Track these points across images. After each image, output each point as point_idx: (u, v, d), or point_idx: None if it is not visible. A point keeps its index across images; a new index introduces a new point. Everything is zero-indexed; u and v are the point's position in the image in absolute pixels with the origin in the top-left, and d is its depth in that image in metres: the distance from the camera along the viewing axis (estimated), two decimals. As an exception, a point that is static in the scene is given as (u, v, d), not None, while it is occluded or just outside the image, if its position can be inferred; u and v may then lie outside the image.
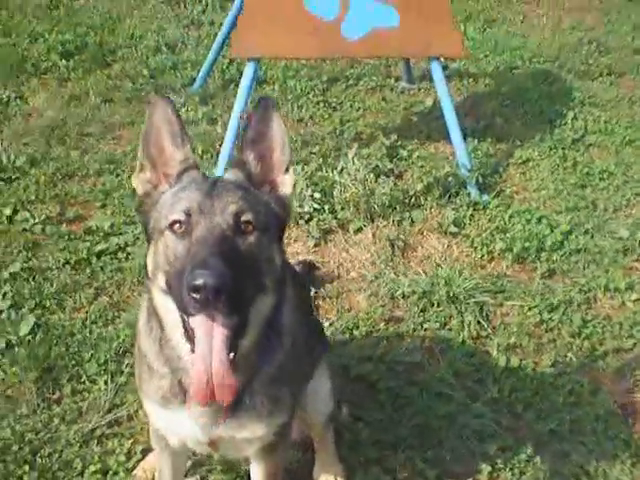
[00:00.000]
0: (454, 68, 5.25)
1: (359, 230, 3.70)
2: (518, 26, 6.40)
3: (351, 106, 4.79)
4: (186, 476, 2.37)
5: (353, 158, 4.01)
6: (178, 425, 1.88)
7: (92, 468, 2.45)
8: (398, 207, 3.82)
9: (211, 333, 1.60)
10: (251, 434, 1.90)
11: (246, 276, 1.61)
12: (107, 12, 5.74)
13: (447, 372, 2.90)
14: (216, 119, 4.46)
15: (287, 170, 1.83)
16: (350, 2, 3.80)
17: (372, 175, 3.89)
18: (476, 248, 3.61)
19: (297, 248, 3.60)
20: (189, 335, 1.64)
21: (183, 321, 1.65)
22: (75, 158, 4.07)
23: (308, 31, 3.77)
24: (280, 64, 5.14)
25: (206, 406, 1.70)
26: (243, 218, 1.67)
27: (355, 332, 3.12)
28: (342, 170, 3.94)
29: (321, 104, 4.76)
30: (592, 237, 3.72)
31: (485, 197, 3.96)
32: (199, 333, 1.60)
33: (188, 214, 1.66)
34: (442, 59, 4.18)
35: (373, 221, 3.74)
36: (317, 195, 3.79)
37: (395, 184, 3.94)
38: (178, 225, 1.67)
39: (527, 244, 3.58)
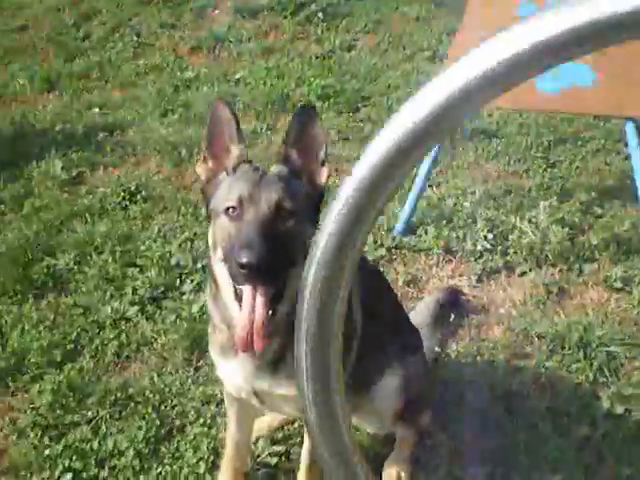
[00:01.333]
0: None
1: (524, 274, 3.87)
2: None
3: (570, 164, 4.88)
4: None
5: (545, 209, 4.21)
6: (232, 374, 2.33)
7: (200, 421, 2.97)
8: (572, 257, 3.93)
9: (254, 297, 2.03)
10: (286, 391, 2.28)
11: (283, 252, 2.02)
12: (375, 64, 6.34)
13: (542, 404, 3.03)
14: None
15: (323, 164, 2.21)
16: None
17: (554, 226, 4.05)
18: (637, 304, 3.63)
19: (461, 282, 3.86)
20: (238, 297, 2.08)
21: (234, 286, 2.10)
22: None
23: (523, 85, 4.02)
24: (515, 119, 5.38)
25: (246, 352, 2.11)
26: (283, 205, 2.08)
27: (478, 359, 3.34)
28: (530, 219, 4.14)
29: (540, 159, 4.92)
30: None
31: (670, 261, 3.92)
32: (245, 296, 2.04)
33: (240, 201, 2.09)
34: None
35: (541, 267, 3.88)
36: (490, 236, 4.02)
37: (574, 236, 4.05)
38: (232, 210, 2.10)
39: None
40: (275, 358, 2.25)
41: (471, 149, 5.07)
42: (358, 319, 2.47)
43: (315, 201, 2.20)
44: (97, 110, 5.64)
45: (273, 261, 1.98)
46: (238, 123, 2.20)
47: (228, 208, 2.11)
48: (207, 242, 2.25)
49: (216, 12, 7.26)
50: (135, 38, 6.80)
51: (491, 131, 5.29)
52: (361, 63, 6.32)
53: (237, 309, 2.11)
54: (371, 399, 2.72)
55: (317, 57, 6.42)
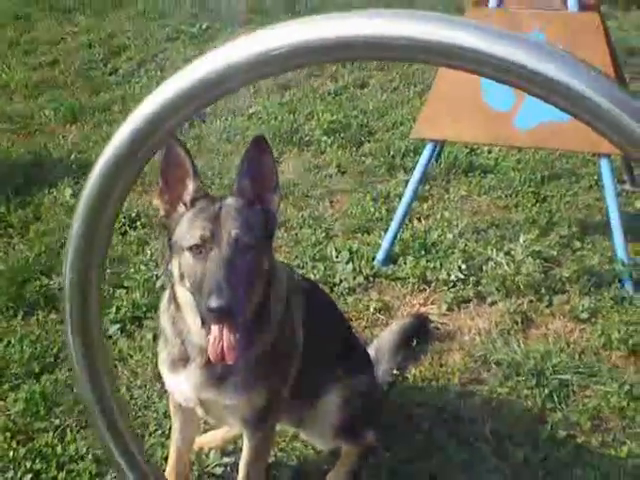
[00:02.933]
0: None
1: (494, 303, 3.99)
2: None
3: (560, 199, 4.99)
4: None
5: (525, 242, 4.33)
6: (180, 385, 2.51)
7: (159, 432, 3.16)
8: (543, 289, 4.04)
9: (221, 330, 2.23)
10: (230, 402, 2.47)
11: (245, 284, 2.23)
12: (385, 100, 6.54)
13: (487, 427, 3.15)
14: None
15: (275, 192, 2.36)
16: (525, 97, 4.14)
17: (530, 258, 4.17)
18: (599, 335, 3.71)
19: (432, 310, 3.99)
20: (207, 327, 2.26)
21: (202, 317, 2.26)
22: (292, 214, 4.85)
23: (484, 120, 4.19)
24: (513, 155, 5.51)
25: (218, 362, 2.28)
26: (243, 241, 2.24)
27: (433, 383, 3.47)
28: (508, 251, 4.28)
29: (531, 194, 5.04)
30: None
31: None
32: (214, 329, 2.24)
33: (203, 240, 2.23)
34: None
35: (511, 298, 4.00)
36: (464, 266, 4.16)
37: (548, 269, 4.16)
38: (195, 248, 2.24)
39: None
40: (222, 371, 2.43)
41: (465, 183, 5.22)
42: (299, 335, 2.64)
43: (270, 228, 2.39)
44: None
45: (237, 299, 2.18)
46: (192, 160, 2.34)
47: (192, 247, 2.26)
48: (169, 270, 2.42)
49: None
50: (159, 73, 7.10)
51: (488, 167, 5.44)
52: (371, 99, 6.52)
53: (201, 329, 2.31)
54: (315, 413, 2.88)
55: (329, 93, 6.65)
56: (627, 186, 5.18)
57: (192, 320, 2.38)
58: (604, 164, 4.11)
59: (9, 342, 3.70)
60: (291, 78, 6.98)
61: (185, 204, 2.33)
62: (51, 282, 4.15)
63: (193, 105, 1.01)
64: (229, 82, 0.97)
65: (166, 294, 2.60)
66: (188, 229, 2.28)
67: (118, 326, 3.81)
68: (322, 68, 7.09)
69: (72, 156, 5.67)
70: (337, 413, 2.87)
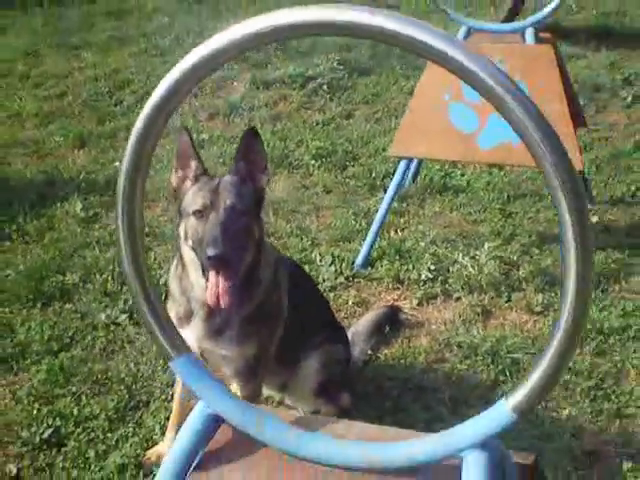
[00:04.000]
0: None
1: (458, 299, 4.51)
2: None
3: (524, 215, 5.53)
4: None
5: (488, 248, 4.88)
6: (185, 337, 2.99)
7: (163, 397, 3.67)
8: (503, 287, 4.56)
9: (217, 277, 2.76)
10: (226, 352, 3.00)
11: (238, 243, 2.77)
12: (368, 129, 7.11)
13: (446, 394, 3.66)
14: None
15: (263, 172, 2.90)
16: (487, 121, 4.71)
17: (492, 261, 4.71)
18: (550, 325, 4.23)
19: (404, 304, 4.51)
20: (206, 275, 2.79)
21: (202, 268, 2.81)
22: (281, 226, 5.38)
23: (451, 140, 4.74)
24: (484, 178, 6.06)
25: (215, 306, 2.80)
26: (237, 207, 2.77)
27: (402, 361, 3.98)
28: (473, 256, 4.81)
29: (497, 210, 5.58)
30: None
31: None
32: (211, 276, 2.77)
33: (204, 206, 2.77)
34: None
35: (473, 294, 4.52)
36: (433, 267, 4.69)
37: (508, 270, 4.70)
38: (198, 213, 2.78)
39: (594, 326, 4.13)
40: (220, 325, 2.98)
41: (439, 201, 5.76)
42: (284, 302, 3.17)
43: (259, 201, 2.93)
44: (118, 164, 6.46)
45: (231, 251, 2.72)
46: (194, 145, 2.92)
47: (195, 211, 2.81)
48: (178, 232, 2.95)
49: (235, 83, 8.14)
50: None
51: (460, 187, 5.98)
52: (356, 129, 7.08)
53: (202, 284, 2.85)
54: (297, 379, 3.39)
55: (318, 124, 7.21)
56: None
57: (195, 277, 2.92)
58: (557, 178, 4.65)
59: (30, 326, 4.20)
60: (283, 110, 7.55)
61: (191, 180, 2.89)
62: (65, 279, 4.66)
63: (206, 69, 1.53)
64: (229, 53, 1.50)
65: (174, 261, 3.13)
66: (193, 198, 2.83)
67: (126, 315, 4.30)
68: (312, 102, 7.66)
69: (81, 176, 6.19)
70: (316, 376, 3.38)
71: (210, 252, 2.67)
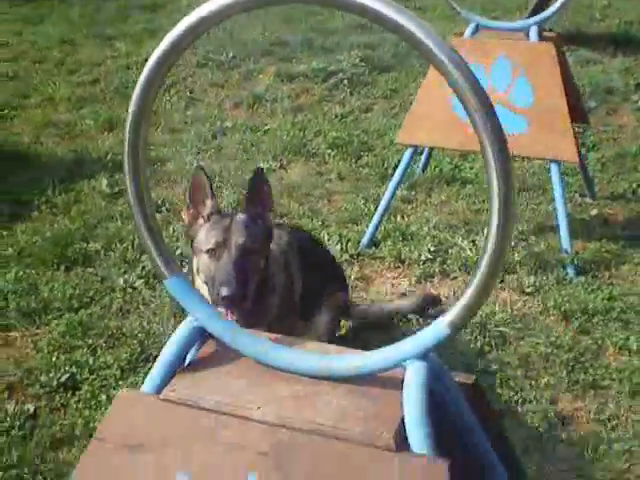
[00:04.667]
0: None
1: (455, 278, 4.79)
2: None
3: (526, 207, 5.78)
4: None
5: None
6: None
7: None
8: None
9: (228, 313, 2.99)
10: None
11: (249, 279, 3.01)
12: (385, 123, 7.38)
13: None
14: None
15: (270, 210, 3.16)
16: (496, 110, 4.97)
17: (490, 245, 4.97)
18: (538, 304, 4.49)
19: (403, 282, 4.79)
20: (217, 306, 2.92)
21: (214, 301, 2.95)
22: (293, 208, 5.69)
23: (454, 129, 5.01)
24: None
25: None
26: (247, 246, 3.01)
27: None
28: (472, 240, 5.09)
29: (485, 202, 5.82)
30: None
31: (580, 279, 4.77)
32: (222, 311, 2.94)
33: (217, 244, 2.98)
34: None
35: (469, 274, 4.78)
36: (433, 249, 4.97)
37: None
38: (211, 251, 3.00)
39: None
40: None
41: (446, 191, 6.03)
42: (298, 283, 3.50)
43: (268, 237, 3.18)
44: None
45: (243, 290, 2.96)
46: (211, 184, 3.11)
47: (208, 250, 3.01)
48: (191, 267, 3.21)
49: (260, 76, 8.47)
50: (188, 94, 8.02)
51: (468, 179, 6.24)
52: (373, 122, 7.37)
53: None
54: (310, 327, 3.73)
55: (337, 116, 7.50)
56: (587, 199, 5.97)
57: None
58: (553, 168, 4.92)
59: (53, 286, 4.53)
60: (304, 102, 7.86)
61: (204, 217, 3.08)
62: (89, 246, 5.00)
63: (203, 27, 1.84)
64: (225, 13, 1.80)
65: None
66: (206, 236, 3.03)
67: (143, 280, 4.62)
68: (332, 95, 7.96)
69: (108, 156, 6.53)
70: (327, 327, 3.75)
71: (223, 292, 2.90)
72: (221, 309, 2.93)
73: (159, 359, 2.06)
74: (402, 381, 1.88)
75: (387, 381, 1.96)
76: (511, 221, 1.73)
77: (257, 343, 1.99)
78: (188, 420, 1.94)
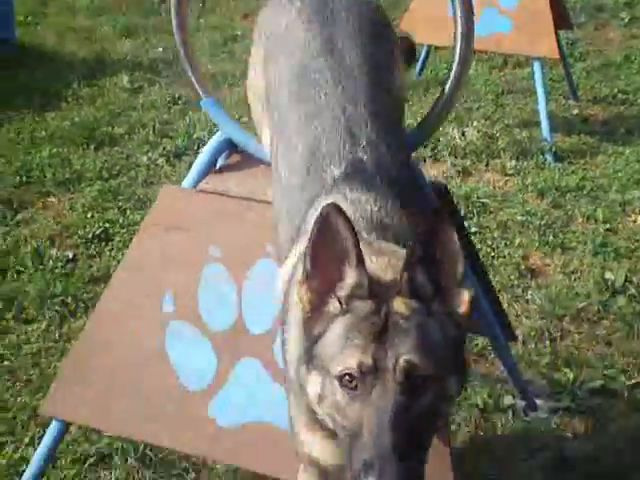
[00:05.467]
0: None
1: (444, 162, 5.32)
2: None
3: (513, 105, 6.27)
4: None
5: (476, 126, 5.67)
6: None
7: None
8: (484, 155, 5.35)
9: None
10: None
11: (422, 440, 1.56)
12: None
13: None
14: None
15: (461, 284, 1.64)
16: (482, 13, 5.42)
17: (477, 133, 5.51)
18: (518, 184, 5.03)
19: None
20: None
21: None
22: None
23: (448, 28, 5.48)
24: (484, 76, 6.79)
25: None
26: (419, 374, 1.53)
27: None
28: (462, 132, 5.62)
29: (490, 101, 6.32)
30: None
31: (558, 164, 5.30)
32: None
33: (361, 371, 1.53)
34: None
35: (457, 158, 5.31)
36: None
37: (490, 143, 5.49)
38: (349, 379, 1.55)
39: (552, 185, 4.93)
40: None
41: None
42: None
43: (457, 343, 1.65)
44: (160, 50, 7.29)
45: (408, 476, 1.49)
46: (357, 239, 1.60)
47: (344, 375, 1.56)
48: (301, 383, 1.69)
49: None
50: (200, 5, 8.45)
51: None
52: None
53: None
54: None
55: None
56: (571, 101, 6.46)
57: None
58: (536, 65, 5.42)
59: (84, 161, 5.08)
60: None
61: (340, 300, 1.64)
62: (114, 130, 5.53)
63: None
64: None
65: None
66: (341, 347, 1.59)
67: (164, 159, 5.18)
68: None
69: (127, 58, 7.02)
70: None
71: (372, 476, 1.47)
72: None
73: (195, 163, 2.60)
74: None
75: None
76: (472, 39, 2.26)
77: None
78: (219, 204, 2.49)
